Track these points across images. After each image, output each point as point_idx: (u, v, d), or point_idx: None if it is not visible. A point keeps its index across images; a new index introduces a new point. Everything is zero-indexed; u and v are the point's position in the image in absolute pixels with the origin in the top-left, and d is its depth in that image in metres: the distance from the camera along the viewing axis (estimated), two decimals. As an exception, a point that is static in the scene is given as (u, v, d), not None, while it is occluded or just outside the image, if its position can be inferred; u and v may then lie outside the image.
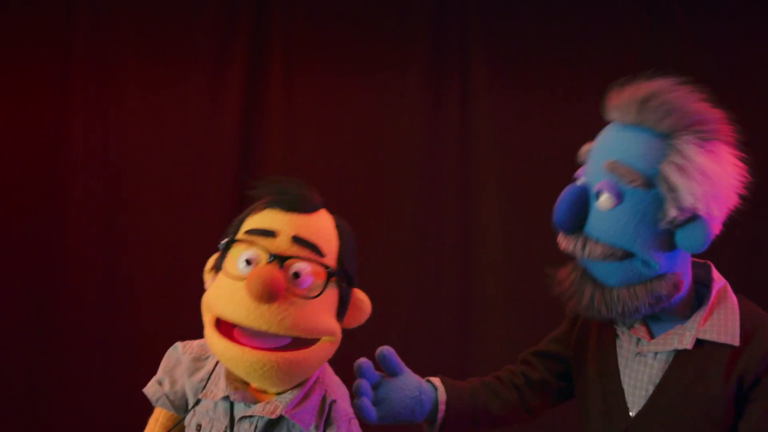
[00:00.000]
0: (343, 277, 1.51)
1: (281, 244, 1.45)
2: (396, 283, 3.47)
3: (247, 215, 1.53)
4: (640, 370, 1.61)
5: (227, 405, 1.54)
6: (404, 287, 3.47)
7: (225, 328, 1.48)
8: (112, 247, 3.49)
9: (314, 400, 1.54)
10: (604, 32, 3.54)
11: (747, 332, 1.54)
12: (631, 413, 1.61)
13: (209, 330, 1.50)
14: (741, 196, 1.67)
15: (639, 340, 1.62)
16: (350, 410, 1.59)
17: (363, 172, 3.53)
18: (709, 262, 1.71)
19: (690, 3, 3.51)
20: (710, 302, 1.59)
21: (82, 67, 3.51)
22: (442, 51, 3.58)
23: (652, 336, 1.61)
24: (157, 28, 3.55)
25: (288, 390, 1.52)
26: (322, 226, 1.51)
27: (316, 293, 1.44)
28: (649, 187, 1.49)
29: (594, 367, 1.70)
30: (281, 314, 1.40)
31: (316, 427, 1.52)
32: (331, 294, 1.49)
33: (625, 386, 1.62)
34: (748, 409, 1.49)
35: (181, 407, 1.60)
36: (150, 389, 1.63)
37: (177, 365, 1.64)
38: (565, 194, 1.58)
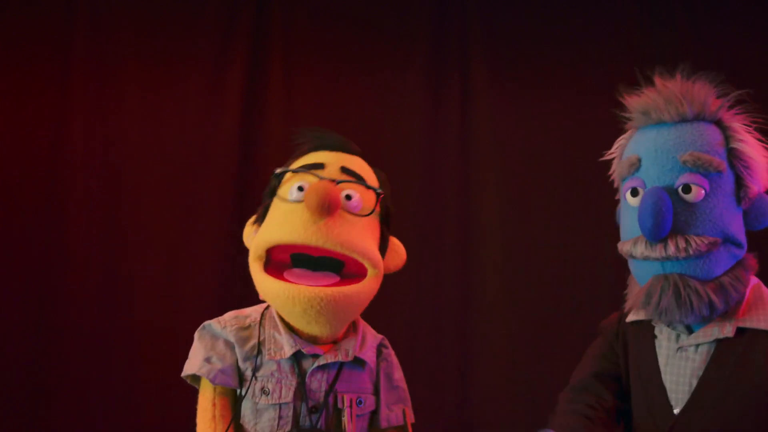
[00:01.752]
0: (386, 212, 1.63)
1: (331, 172, 1.57)
2: (396, 283, 3.47)
3: (294, 158, 1.67)
4: (681, 365, 1.59)
5: (292, 361, 1.57)
6: (404, 287, 3.47)
7: (274, 272, 1.53)
8: (112, 247, 3.49)
9: (371, 341, 1.67)
10: (604, 32, 3.54)
11: None
12: (675, 411, 1.59)
13: (261, 276, 1.54)
14: None
15: (679, 335, 1.61)
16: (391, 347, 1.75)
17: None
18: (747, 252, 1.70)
19: (690, 3, 3.51)
20: (747, 295, 1.60)
21: (82, 67, 3.50)
22: (442, 51, 3.58)
23: (691, 331, 1.60)
24: (157, 28, 3.55)
25: (345, 336, 1.63)
26: (364, 166, 1.66)
27: (367, 213, 1.55)
28: (725, 170, 1.55)
29: (635, 372, 1.69)
30: (336, 229, 1.49)
31: (372, 364, 1.65)
32: (375, 225, 1.60)
33: (667, 384, 1.60)
34: None
35: (236, 380, 1.60)
36: (202, 369, 1.60)
37: (216, 341, 1.63)
38: (649, 202, 1.52)
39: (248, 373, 1.58)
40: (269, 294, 1.53)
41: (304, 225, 1.48)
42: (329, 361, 1.58)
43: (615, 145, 1.92)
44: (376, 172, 1.71)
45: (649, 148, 1.61)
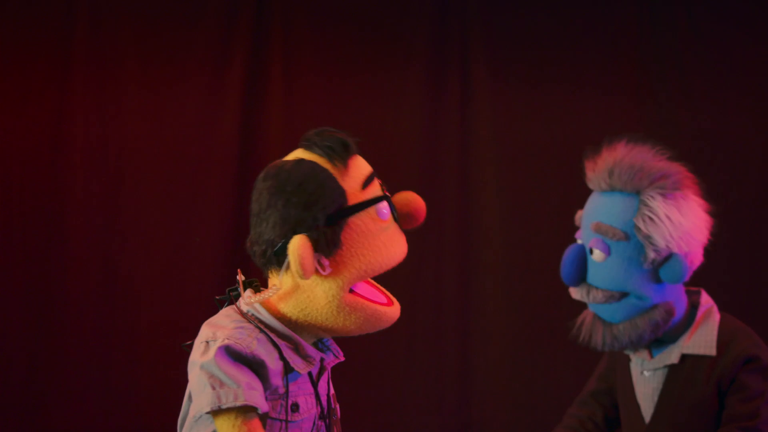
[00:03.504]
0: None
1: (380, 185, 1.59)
2: (396, 283, 3.46)
3: (330, 178, 1.51)
4: (646, 385, 1.94)
5: (308, 374, 1.51)
6: (404, 287, 3.47)
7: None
8: (112, 247, 3.49)
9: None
10: (604, 32, 3.54)
11: (723, 343, 1.87)
12: (645, 421, 1.95)
13: (353, 300, 1.47)
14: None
15: (643, 361, 1.95)
16: None
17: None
18: (701, 289, 2.04)
19: (690, 3, 3.51)
20: (695, 322, 1.93)
21: (82, 67, 3.50)
22: (442, 51, 3.58)
23: (652, 356, 1.94)
24: (157, 29, 3.55)
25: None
26: None
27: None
28: (628, 238, 1.85)
29: (620, 387, 2.05)
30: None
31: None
32: None
33: (638, 400, 1.96)
34: (727, 400, 1.83)
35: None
36: (255, 400, 1.38)
37: (241, 367, 1.40)
38: (567, 254, 1.95)
39: (279, 391, 1.43)
40: (374, 318, 1.49)
41: (402, 241, 1.54)
42: (331, 362, 1.55)
43: None
44: None
45: (585, 211, 1.97)
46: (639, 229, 1.83)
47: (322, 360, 1.53)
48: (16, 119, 3.48)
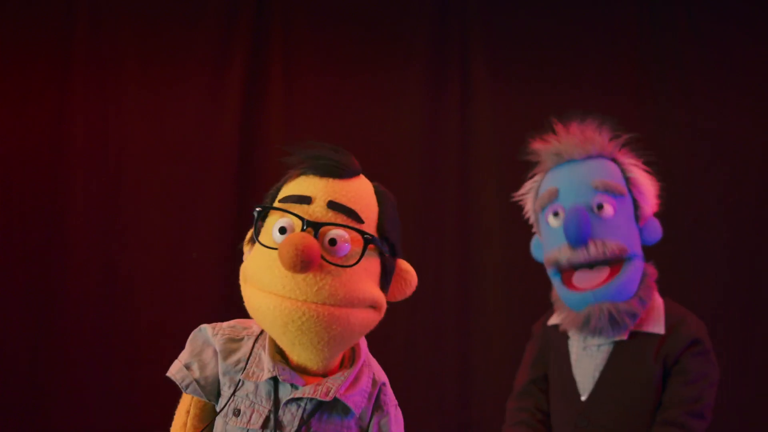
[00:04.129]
0: (384, 244, 1.43)
1: (316, 210, 1.38)
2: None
3: (283, 183, 1.46)
4: (587, 361, 1.97)
5: (270, 387, 1.44)
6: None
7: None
8: (112, 246, 3.49)
9: (365, 383, 1.46)
10: (604, 32, 3.54)
11: (671, 324, 1.93)
12: (582, 398, 1.98)
13: (246, 289, 1.43)
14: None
15: (586, 337, 1.98)
16: (394, 397, 1.52)
17: (363, 172, 3.52)
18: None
19: (690, 3, 3.51)
20: (651, 298, 1.98)
21: (82, 67, 3.51)
22: (442, 51, 3.58)
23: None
24: (157, 29, 3.55)
25: (338, 372, 1.45)
26: (360, 192, 1.44)
27: (354, 261, 1.36)
28: (626, 195, 1.94)
29: (554, 367, 2.08)
30: (317, 284, 1.33)
31: (365, 411, 1.45)
32: (373, 262, 1.42)
33: (576, 377, 1.99)
34: (669, 381, 1.87)
35: (212, 393, 1.49)
36: (178, 374, 1.51)
37: (205, 348, 1.51)
38: (572, 216, 1.92)
39: (226, 389, 1.46)
40: (252, 306, 1.41)
41: (283, 279, 1.33)
42: (306, 395, 1.41)
43: (526, 188, 2.30)
44: (377, 194, 1.48)
45: (566, 179, 2.00)
46: (635, 183, 1.93)
47: (296, 387, 1.44)
48: (16, 119, 3.48)
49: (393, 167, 3.54)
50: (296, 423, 1.42)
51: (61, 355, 3.43)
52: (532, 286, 3.50)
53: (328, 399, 1.41)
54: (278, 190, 1.46)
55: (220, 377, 1.48)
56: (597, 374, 1.95)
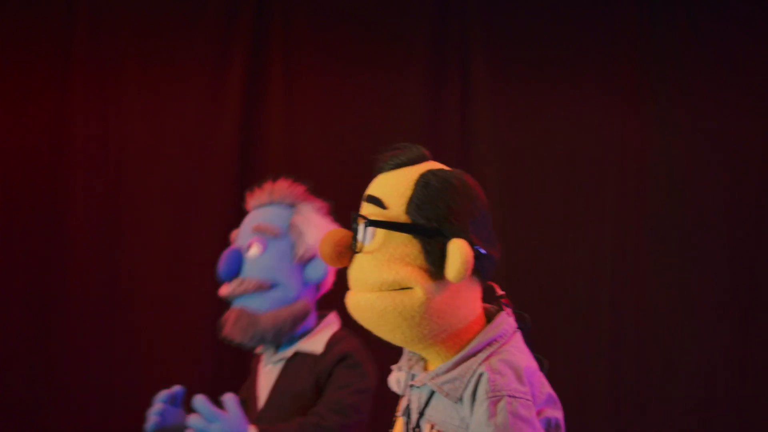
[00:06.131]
0: (406, 227, 1.45)
1: (362, 205, 1.52)
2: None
3: None
4: (266, 376, 2.21)
5: (411, 376, 1.56)
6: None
7: None
8: (112, 247, 3.49)
9: (462, 371, 1.44)
10: (604, 32, 3.54)
11: (329, 345, 2.14)
12: (259, 407, 2.19)
13: None
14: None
15: (269, 355, 2.21)
16: (511, 387, 1.42)
17: (363, 172, 3.52)
18: (334, 311, 2.21)
19: (690, 3, 3.51)
20: (317, 329, 2.20)
21: (82, 67, 3.50)
22: (442, 51, 3.58)
23: (276, 352, 2.20)
24: (157, 29, 3.55)
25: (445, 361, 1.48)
26: (398, 179, 1.50)
27: (375, 246, 1.46)
28: (283, 236, 2.15)
29: (249, 381, 2.30)
30: (352, 273, 1.48)
31: (463, 401, 1.43)
32: (401, 245, 1.44)
33: (258, 390, 2.22)
34: (324, 391, 2.08)
35: (403, 389, 1.61)
36: (390, 377, 1.64)
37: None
38: (225, 254, 2.17)
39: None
40: None
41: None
42: (417, 383, 1.51)
43: None
44: (418, 179, 1.48)
45: (245, 221, 2.25)
46: (294, 226, 2.15)
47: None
48: (16, 119, 3.48)
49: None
50: (417, 409, 1.52)
51: (61, 355, 3.43)
52: (533, 285, 3.52)
53: (419, 385, 1.50)
54: None
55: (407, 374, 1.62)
56: (270, 387, 2.19)
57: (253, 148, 3.56)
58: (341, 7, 3.60)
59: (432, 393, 1.48)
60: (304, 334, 2.17)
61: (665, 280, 3.48)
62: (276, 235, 2.15)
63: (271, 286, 2.12)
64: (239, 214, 3.52)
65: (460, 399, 1.43)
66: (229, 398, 1.87)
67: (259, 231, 2.16)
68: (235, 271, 2.15)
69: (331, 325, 2.22)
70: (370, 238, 1.45)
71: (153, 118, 3.53)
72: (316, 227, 2.17)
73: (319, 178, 3.59)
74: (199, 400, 1.82)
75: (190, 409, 1.88)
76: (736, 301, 3.45)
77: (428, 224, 1.45)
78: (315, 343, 2.15)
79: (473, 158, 3.55)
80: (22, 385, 3.42)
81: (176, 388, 2.10)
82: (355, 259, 1.47)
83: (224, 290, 2.17)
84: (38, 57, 3.49)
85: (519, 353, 1.50)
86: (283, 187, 2.24)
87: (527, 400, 1.42)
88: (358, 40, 3.58)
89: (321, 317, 2.23)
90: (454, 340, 1.48)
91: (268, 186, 2.26)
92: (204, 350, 3.44)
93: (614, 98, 3.52)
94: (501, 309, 1.59)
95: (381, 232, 1.45)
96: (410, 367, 1.57)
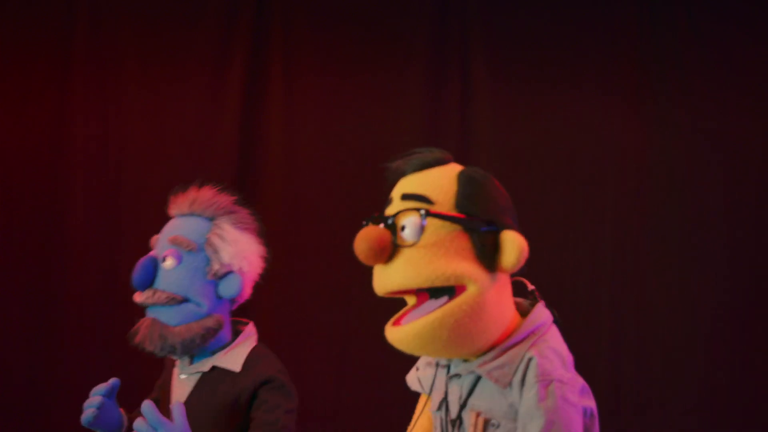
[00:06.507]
0: (464, 220, 1.46)
1: (394, 206, 1.49)
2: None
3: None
4: (181, 386, 2.19)
5: (446, 370, 1.55)
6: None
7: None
8: (112, 246, 3.49)
9: (510, 358, 1.46)
10: (604, 32, 3.54)
11: (248, 364, 2.14)
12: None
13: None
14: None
15: (184, 366, 2.20)
16: (558, 373, 1.46)
17: (363, 172, 3.53)
18: (251, 321, 2.25)
19: (690, 3, 3.51)
20: (235, 343, 2.18)
21: (82, 67, 3.51)
22: (442, 51, 3.58)
23: (192, 363, 2.19)
24: (157, 29, 3.55)
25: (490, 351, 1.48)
26: (435, 177, 1.52)
27: (425, 239, 1.43)
28: (198, 250, 2.13)
29: (163, 389, 2.30)
30: (392, 268, 1.44)
31: (512, 386, 1.45)
32: (455, 239, 1.45)
33: (172, 400, 2.21)
34: (253, 415, 2.08)
35: (430, 387, 1.60)
36: (408, 377, 1.65)
37: None
38: (140, 262, 2.19)
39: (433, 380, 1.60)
40: None
41: (376, 277, 1.48)
42: (460, 372, 1.50)
43: None
44: (459, 175, 1.53)
45: (164, 230, 2.23)
46: (210, 242, 2.13)
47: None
48: (16, 119, 3.48)
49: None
50: (458, 400, 1.51)
51: (61, 355, 3.43)
52: (533, 285, 3.52)
53: (465, 373, 1.49)
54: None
55: (432, 370, 1.62)
56: (184, 399, 2.18)
57: (253, 148, 3.56)
58: (341, 7, 3.60)
59: (476, 382, 1.48)
60: (221, 348, 2.17)
61: (665, 280, 3.48)
62: (192, 249, 2.14)
63: (183, 300, 2.12)
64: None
65: (509, 384, 1.44)
66: (177, 407, 1.88)
67: (175, 244, 2.15)
68: (149, 280, 2.16)
69: (248, 339, 2.22)
70: (418, 233, 1.43)
71: (153, 118, 3.53)
72: (233, 243, 2.16)
73: (319, 178, 3.62)
74: (147, 406, 1.84)
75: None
76: (736, 301, 3.45)
77: (482, 217, 1.48)
78: (233, 360, 2.15)
79: (473, 158, 3.54)
80: (21, 385, 3.42)
81: (113, 381, 2.18)
82: (400, 254, 1.44)
83: (137, 298, 2.20)
84: (38, 57, 3.49)
85: (560, 343, 1.55)
86: (205, 197, 2.23)
87: (573, 385, 1.46)
88: (358, 40, 3.58)
89: (237, 330, 2.23)
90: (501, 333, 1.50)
91: (191, 193, 2.25)
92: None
93: (614, 98, 3.52)
94: (536, 301, 1.61)
95: (431, 227, 1.44)
96: (449, 360, 1.55)
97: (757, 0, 3.50)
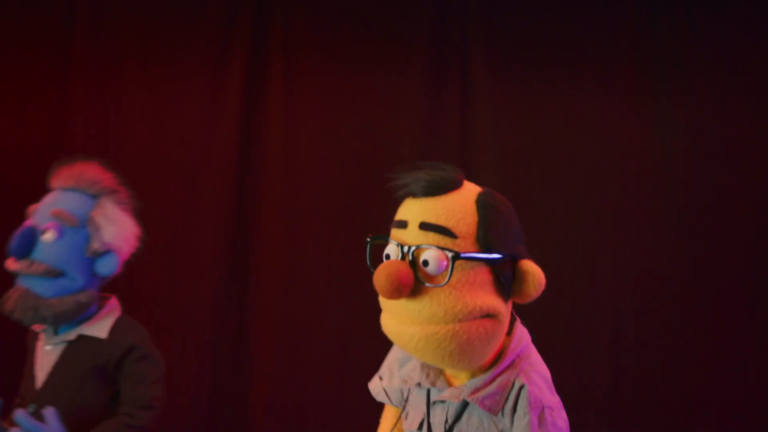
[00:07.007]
0: (492, 259, 1.45)
1: (411, 234, 1.44)
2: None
3: (400, 205, 1.53)
4: (46, 357, 2.25)
5: (426, 391, 1.54)
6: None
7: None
8: (112, 247, 3.49)
9: (501, 385, 1.48)
10: (604, 32, 3.54)
11: (114, 331, 2.23)
12: (36, 387, 2.25)
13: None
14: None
15: (48, 336, 2.25)
16: (547, 399, 1.49)
17: (363, 172, 3.53)
18: (113, 296, 2.36)
19: (690, 3, 3.51)
20: (100, 313, 2.27)
21: (82, 67, 3.51)
22: (442, 51, 3.58)
23: (57, 333, 2.24)
24: (157, 29, 3.55)
25: (479, 375, 1.48)
26: (453, 207, 1.47)
27: (446, 279, 1.40)
28: (80, 227, 2.18)
29: (27, 360, 2.34)
30: (418, 305, 1.41)
31: (504, 414, 1.46)
32: (479, 273, 1.44)
33: (35, 371, 2.26)
34: (122, 387, 2.19)
35: (398, 400, 1.61)
36: (372, 385, 1.66)
37: (395, 359, 1.63)
38: (20, 231, 2.18)
39: (405, 395, 1.60)
40: (383, 327, 1.51)
41: (391, 304, 1.44)
42: (445, 398, 1.49)
43: None
44: (477, 202, 1.50)
45: (44, 201, 2.25)
46: (93, 220, 2.18)
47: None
48: (16, 119, 3.48)
49: (393, 168, 3.53)
50: (443, 424, 1.50)
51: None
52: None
53: (457, 401, 1.48)
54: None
55: (400, 385, 1.60)
56: (50, 369, 2.24)
57: (253, 148, 3.56)
58: (341, 7, 3.60)
59: (463, 408, 1.49)
60: (87, 318, 2.24)
61: (665, 280, 3.48)
62: (73, 224, 2.18)
63: (60, 274, 2.16)
64: (239, 214, 3.55)
65: (501, 411, 1.47)
66: (50, 411, 1.94)
67: (58, 217, 2.18)
68: (27, 250, 2.16)
69: (113, 311, 2.31)
70: (445, 273, 1.41)
71: (153, 118, 3.54)
72: (114, 223, 2.23)
73: (319, 178, 3.62)
74: (20, 415, 1.92)
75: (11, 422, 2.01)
76: (736, 301, 3.45)
77: (505, 251, 1.48)
78: (99, 328, 2.23)
79: (473, 158, 3.55)
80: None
81: None
82: (426, 293, 1.41)
83: (12, 266, 2.19)
84: (38, 57, 3.49)
85: (540, 362, 1.57)
86: (90, 173, 2.26)
87: (560, 409, 1.50)
88: (358, 40, 3.58)
89: (102, 301, 2.30)
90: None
91: (77, 168, 2.27)
92: (203, 349, 3.44)
93: (614, 98, 3.52)
94: (514, 319, 1.61)
95: (458, 266, 1.42)
96: (432, 383, 1.54)
97: (757, 0, 3.50)
